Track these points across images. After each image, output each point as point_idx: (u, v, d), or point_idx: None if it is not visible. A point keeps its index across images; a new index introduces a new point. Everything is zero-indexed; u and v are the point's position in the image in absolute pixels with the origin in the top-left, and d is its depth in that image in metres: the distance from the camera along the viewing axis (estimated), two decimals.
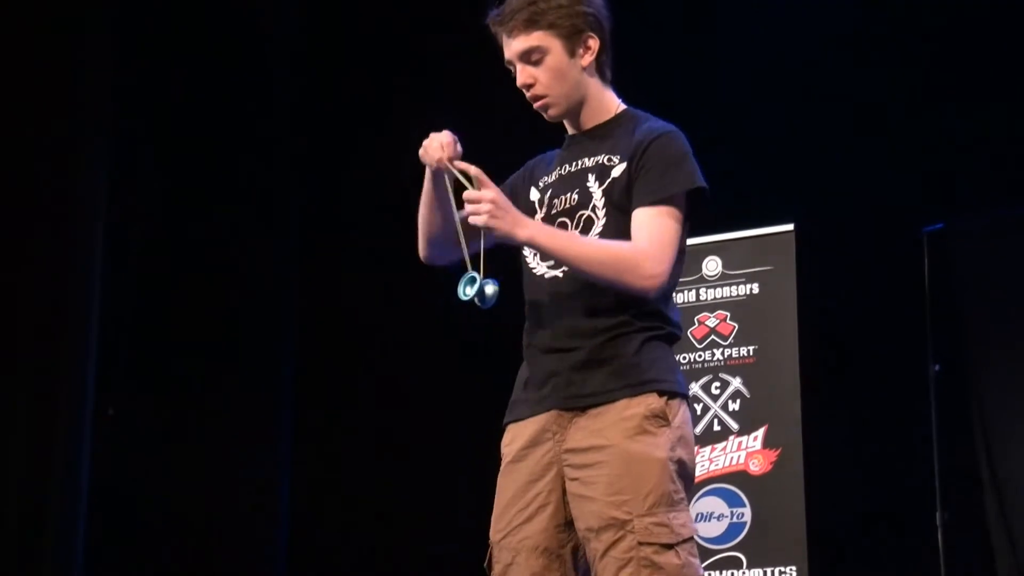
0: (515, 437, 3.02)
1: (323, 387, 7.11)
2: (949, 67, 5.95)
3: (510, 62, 3.03)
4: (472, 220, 2.85)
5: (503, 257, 3.14)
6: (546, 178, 3.10)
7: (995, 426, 5.76)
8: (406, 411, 6.86)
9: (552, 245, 2.87)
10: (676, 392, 2.93)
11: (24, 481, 6.01)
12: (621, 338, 2.91)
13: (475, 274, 2.91)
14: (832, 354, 5.94)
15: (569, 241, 2.90)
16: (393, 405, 6.91)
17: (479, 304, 2.90)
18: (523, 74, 2.99)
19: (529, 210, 3.06)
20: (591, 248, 2.89)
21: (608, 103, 3.08)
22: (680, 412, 2.93)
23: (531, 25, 2.96)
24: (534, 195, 3.11)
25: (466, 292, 2.91)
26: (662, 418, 2.88)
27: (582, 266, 2.87)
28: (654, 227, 2.89)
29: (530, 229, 2.87)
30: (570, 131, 3.12)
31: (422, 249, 3.14)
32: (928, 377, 5.77)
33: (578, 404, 2.92)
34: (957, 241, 5.92)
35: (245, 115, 6.81)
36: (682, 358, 5.67)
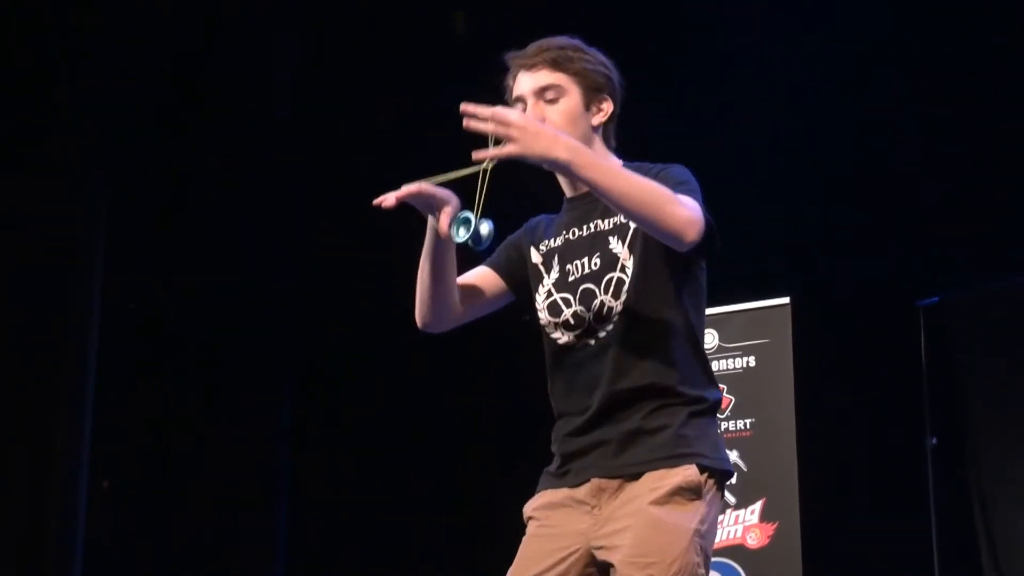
0: (547, 503, 2.93)
1: (320, 464, 7.11)
2: (943, 141, 5.99)
3: (519, 98, 2.96)
4: (502, 150, 2.63)
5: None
6: (548, 242, 3.02)
7: (993, 498, 5.75)
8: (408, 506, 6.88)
9: (593, 169, 2.68)
10: (716, 469, 2.86)
11: (20, 552, 5.98)
12: (667, 409, 2.85)
13: (469, 213, 2.75)
14: (829, 427, 5.94)
15: (611, 169, 2.73)
16: (395, 500, 6.92)
17: (473, 246, 2.75)
18: (535, 110, 2.92)
19: (536, 275, 3.02)
20: (635, 179, 2.70)
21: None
22: (714, 490, 2.86)
23: (557, 66, 2.93)
24: (536, 258, 3.04)
25: (459, 234, 2.74)
26: (695, 492, 2.81)
27: (623, 195, 2.67)
28: (684, 196, 2.77)
29: (570, 151, 2.65)
30: (569, 193, 3.04)
31: (422, 315, 3.00)
32: (925, 450, 5.77)
33: (622, 473, 2.83)
34: (952, 314, 5.94)
35: (245, 127, 6.84)
36: None
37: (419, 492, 6.82)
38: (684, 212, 2.70)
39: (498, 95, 3.00)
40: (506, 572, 2.92)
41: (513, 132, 2.63)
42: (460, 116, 2.74)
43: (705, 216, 2.77)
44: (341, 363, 7.11)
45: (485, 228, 2.73)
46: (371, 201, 2.83)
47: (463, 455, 6.99)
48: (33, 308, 6.21)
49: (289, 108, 7.03)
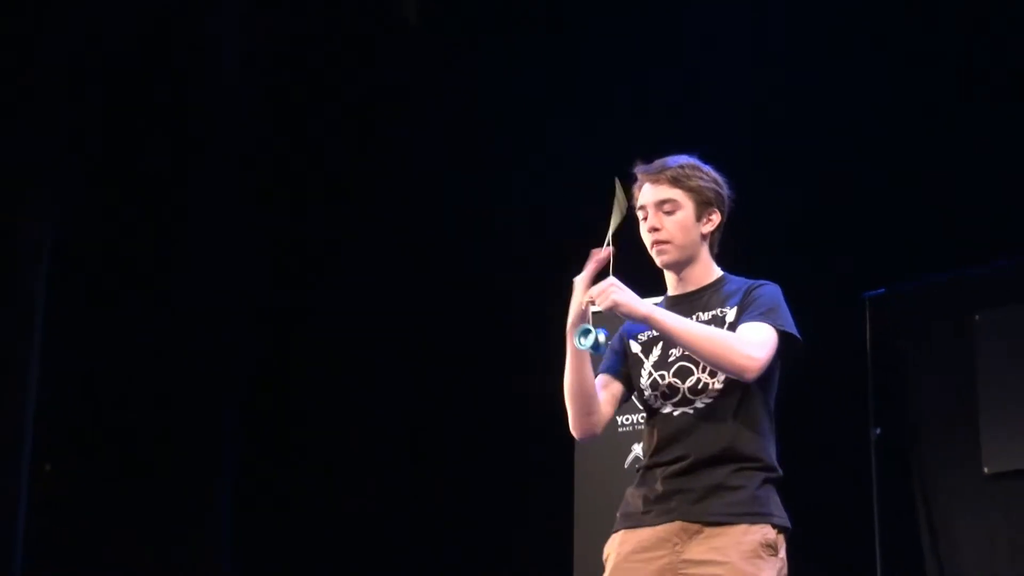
0: (626, 542, 3.39)
1: (268, 456, 7.08)
2: (889, 132, 6.04)
3: (643, 207, 3.51)
4: (599, 303, 3.25)
5: None
6: (648, 332, 3.51)
7: (935, 488, 5.78)
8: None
9: (665, 320, 3.31)
10: (785, 528, 3.39)
11: None
12: (747, 472, 3.37)
13: (588, 325, 3.29)
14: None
15: (680, 320, 3.34)
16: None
17: (593, 352, 3.29)
18: (655, 218, 3.49)
19: (636, 361, 3.52)
20: (699, 327, 3.36)
21: (712, 269, 3.58)
22: (783, 546, 3.36)
23: (676, 183, 3.50)
24: (635, 348, 3.54)
25: (581, 342, 3.28)
26: (773, 548, 3.32)
27: (690, 340, 3.31)
28: (756, 328, 3.37)
29: (647, 307, 3.32)
30: (673, 291, 3.57)
31: (578, 429, 3.50)
32: (869, 439, 5.79)
33: (704, 519, 3.31)
34: (898, 305, 5.98)
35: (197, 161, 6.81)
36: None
37: (386, 498, 6.80)
38: (744, 357, 3.31)
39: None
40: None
41: (609, 292, 3.28)
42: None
43: (782, 333, 3.41)
44: (302, 365, 7.10)
45: (602, 337, 3.29)
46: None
47: (436, 458, 6.98)
48: None
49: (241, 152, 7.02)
